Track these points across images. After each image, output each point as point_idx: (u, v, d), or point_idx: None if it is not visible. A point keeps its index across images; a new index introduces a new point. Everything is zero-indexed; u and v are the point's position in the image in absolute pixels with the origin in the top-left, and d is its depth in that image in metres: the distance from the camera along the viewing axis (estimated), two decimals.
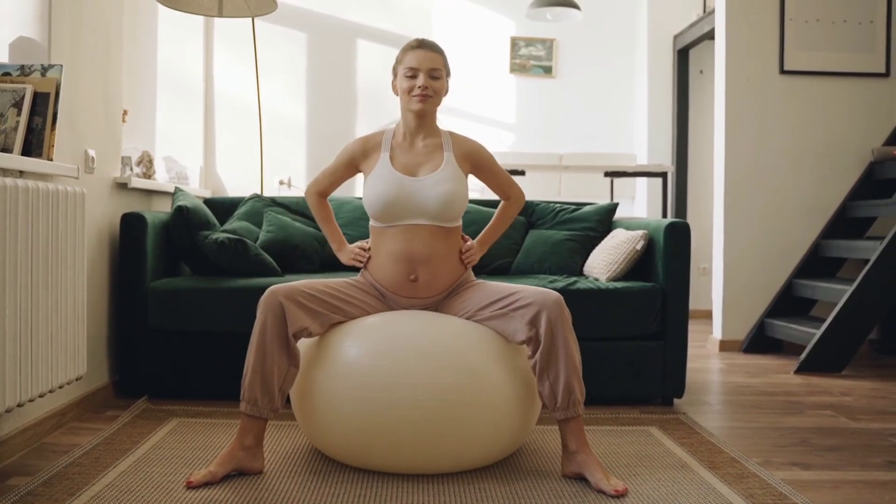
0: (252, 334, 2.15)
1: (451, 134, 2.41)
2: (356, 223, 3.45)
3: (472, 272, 2.43)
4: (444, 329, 2.19)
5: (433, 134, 2.39)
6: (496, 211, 2.56)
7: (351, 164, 2.43)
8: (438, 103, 2.36)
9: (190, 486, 2.02)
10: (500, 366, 2.16)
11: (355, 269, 2.77)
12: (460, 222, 2.38)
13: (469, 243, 2.41)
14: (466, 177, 2.40)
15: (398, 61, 2.36)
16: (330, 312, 2.21)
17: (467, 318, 2.26)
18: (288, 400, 2.36)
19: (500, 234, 2.56)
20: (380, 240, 2.33)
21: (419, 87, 2.28)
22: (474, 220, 3.27)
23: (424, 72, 2.29)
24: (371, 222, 2.38)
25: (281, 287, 2.17)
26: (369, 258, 2.38)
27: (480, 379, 2.11)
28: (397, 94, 2.38)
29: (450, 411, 2.06)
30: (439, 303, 2.35)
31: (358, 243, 2.45)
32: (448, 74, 2.37)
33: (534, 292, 2.17)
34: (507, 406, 2.15)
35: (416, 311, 2.29)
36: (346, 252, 2.45)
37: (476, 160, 2.42)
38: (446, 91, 2.37)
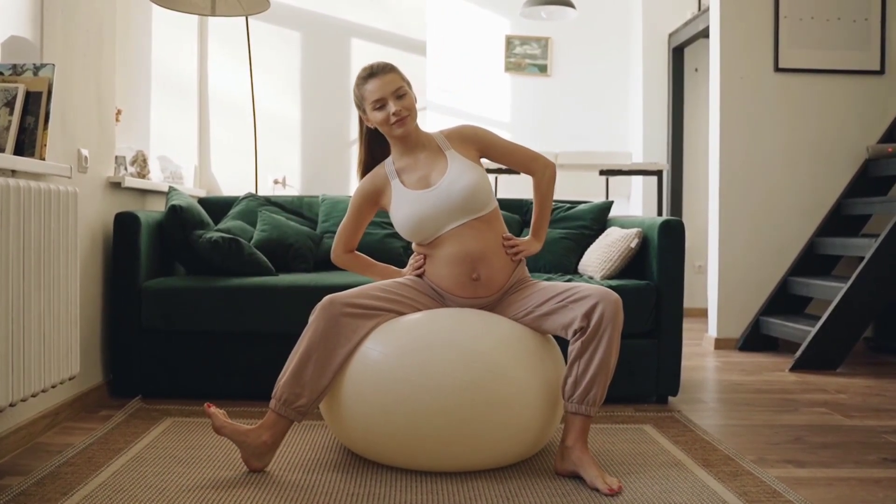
0: (301, 337, 2.17)
1: (441, 133, 2.40)
2: None
3: (526, 270, 2.41)
4: (474, 328, 2.18)
5: (426, 143, 2.38)
6: (533, 196, 2.48)
7: (369, 202, 2.40)
8: (416, 116, 2.35)
9: (208, 406, 2.14)
10: (526, 367, 2.16)
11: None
12: (495, 205, 2.35)
13: (513, 240, 2.35)
14: (478, 162, 2.37)
15: (360, 98, 2.33)
16: (386, 312, 2.23)
17: (525, 316, 2.26)
18: None
19: (547, 217, 2.47)
20: (432, 252, 2.32)
21: (393, 114, 2.27)
22: None
23: (390, 97, 2.28)
24: (414, 246, 2.39)
25: (339, 298, 2.17)
26: (423, 264, 2.36)
27: (505, 379, 2.11)
28: (373, 127, 2.37)
29: (473, 410, 2.06)
30: (496, 302, 2.34)
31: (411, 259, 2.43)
32: (410, 85, 2.35)
33: (594, 288, 2.17)
34: (531, 408, 2.14)
35: (447, 310, 2.28)
36: (406, 271, 2.44)
37: (475, 140, 2.40)
38: (415, 98, 2.35)
